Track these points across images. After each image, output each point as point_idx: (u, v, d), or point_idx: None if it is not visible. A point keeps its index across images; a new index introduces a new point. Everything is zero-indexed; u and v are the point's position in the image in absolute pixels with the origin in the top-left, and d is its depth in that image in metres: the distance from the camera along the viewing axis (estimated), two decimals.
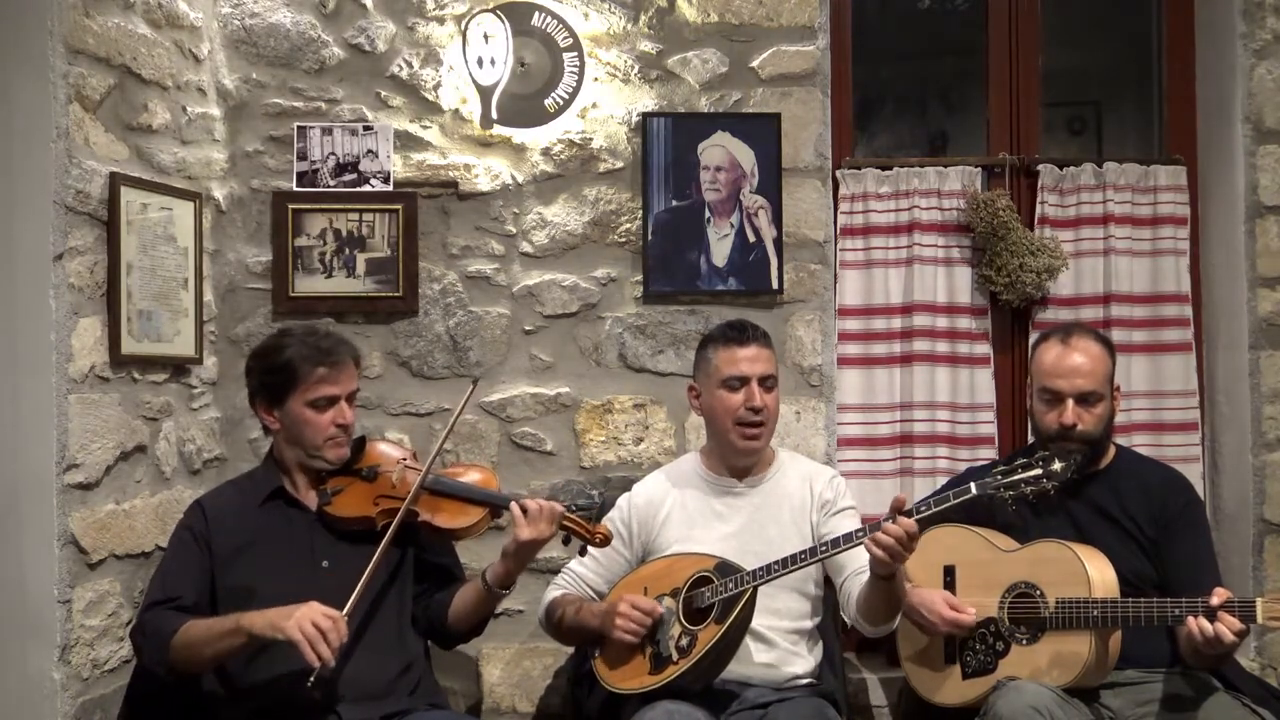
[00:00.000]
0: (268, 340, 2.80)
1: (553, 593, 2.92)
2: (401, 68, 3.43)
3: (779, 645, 2.77)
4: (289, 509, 2.68)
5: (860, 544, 2.53)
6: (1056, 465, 2.52)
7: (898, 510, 2.49)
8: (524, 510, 2.56)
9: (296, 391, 2.62)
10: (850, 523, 2.82)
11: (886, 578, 2.56)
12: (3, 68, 2.64)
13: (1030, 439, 3.01)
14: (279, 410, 2.65)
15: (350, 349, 2.73)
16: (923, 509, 2.56)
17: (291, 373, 2.62)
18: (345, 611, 2.37)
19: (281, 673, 2.47)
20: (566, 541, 2.65)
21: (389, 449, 2.80)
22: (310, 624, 2.31)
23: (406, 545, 2.70)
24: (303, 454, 2.67)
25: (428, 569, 2.76)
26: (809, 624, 2.83)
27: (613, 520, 2.91)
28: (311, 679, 2.32)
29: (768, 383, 2.82)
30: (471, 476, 2.71)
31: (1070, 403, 2.74)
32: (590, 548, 2.66)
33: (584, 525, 2.61)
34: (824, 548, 2.62)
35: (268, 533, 2.64)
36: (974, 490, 2.54)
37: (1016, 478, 2.53)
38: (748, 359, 2.81)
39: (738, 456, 2.86)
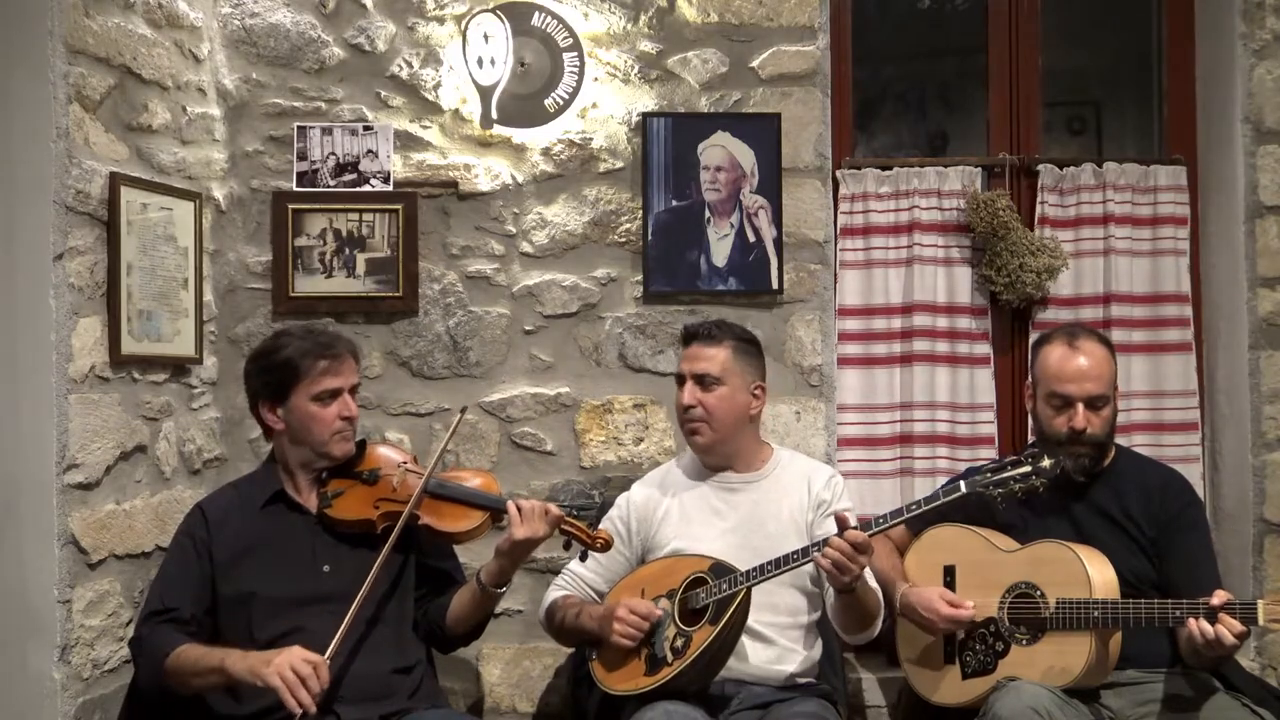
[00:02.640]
0: (264, 342, 2.80)
1: (553, 594, 2.93)
2: (401, 68, 3.43)
3: (777, 642, 2.77)
4: (290, 512, 2.68)
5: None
6: (1045, 462, 2.53)
7: (841, 526, 2.51)
8: (519, 509, 2.57)
9: (300, 386, 2.63)
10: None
11: (845, 591, 2.58)
12: (3, 68, 2.64)
13: (1030, 439, 3.01)
14: (282, 408, 2.65)
15: (349, 344, 2.74)
16: (880, 521, 2.59)
17: (293, 368, 2.63)
18: (327, 655, 2.38)
19: None
20: (567, 546, 2.65)
21: (389, 452, 2.80)
22: (290, 670, 2.32)
23: (407, 550, 2.70)
24: (309, 452, 2.67)
25: (428, 573, 2.77)
26: (807, 619, 2.83)
27: (612, 519, 2.92)
28: None
29: (705, 381, 2.83)
30: (473, 481, 2.72)
31: (1080, 407, 2.73)
32: (591, 552, 2.67)
33: (585, 531, 2.62)
34: (816, 546, 2.61)
35: (269, 536, 2.65)
36: (964, 489, 2.55)
37: (1006, 475, 2.54)
38: (686, 358, 2.88)
39: (696, 452, 2.91)
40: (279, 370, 2.64)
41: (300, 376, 2.63)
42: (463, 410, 2.84)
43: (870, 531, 2.55)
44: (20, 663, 2.64)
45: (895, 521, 2.61)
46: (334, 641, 2.40)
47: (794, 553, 2.63)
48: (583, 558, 2.72)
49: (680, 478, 2.94)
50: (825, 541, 2.54)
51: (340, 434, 2.67)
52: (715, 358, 2.84)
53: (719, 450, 2.87)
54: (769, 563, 2.63)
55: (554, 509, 2.59)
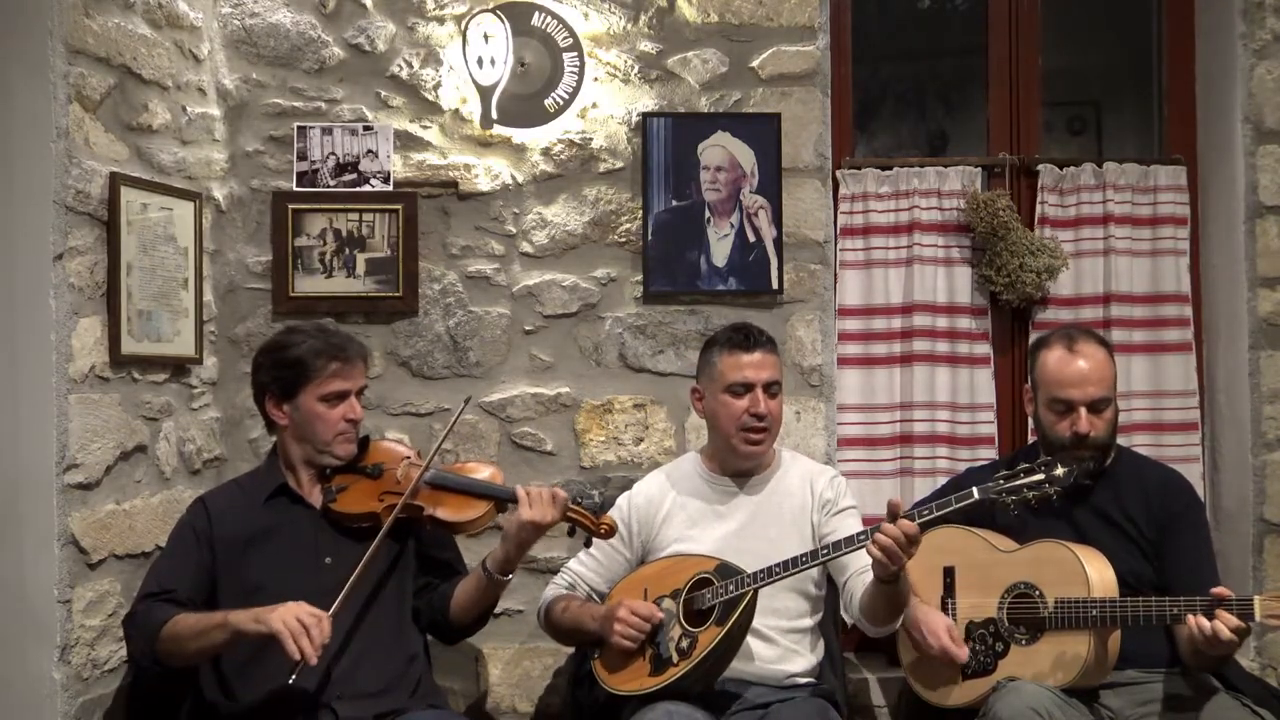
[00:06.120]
0: (277, 336, 2.80)
1: (551, 591, 2.93)
2: (401, 68, 3.43)
3: (779, 644, 2.77)
4: (292, 506, 2.69)
5: (862, 546, 2.53)
6: (1059, 470, 2.51)
7: (894, 513, 2.49)
8: (528, 494, 2.58)
9: (309, 386, 2.64)
10: (851, 522, 2.82)
11: (889, 580, 2.55)
12: (3, 68, 2.64)
13: (1030, 439, 3.01)
14: (289, 405, 2.67)
15: (360, 347, 2.76)
16: (924, 512, 2.55)
17: (304, 367, 2.64)
18: (331, 612, 2.38)
19: (276, 672, 2.47)
20: (571, 533, 2.66)
21: (395, 447, 2.82)
22: (294, 618, 2.32)
23: (406, 539, 2.71)
24: (311, 450, 2.68)
25: (430, 564, 2.77)
26: (809, 622, 2.83)
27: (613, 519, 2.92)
28: (294, 674, 2.32)
29: (772, 389, 2.82)
30: (477, 472, 2.72)
31: (1083, 411, 2.72)
32: (595, 539, 2.67)
33: (589, 516, 2.62)
34: (825, 551, 2.62)
35: (271, 530, 2.65)
36: (976, 495, 2.53)
37: (1019, 483, 2.52)
38: (753, 365, 2.80)
39: (740, 460, 2.86)
40: (290, 367, 2.66)
41: (310, 376, 2.64)
42: (466, 400, 2.85)
43: (920, 520, 2.49)
44: (20, 663, 2.64)
45: (940, 514, 2.53)
46: (337, 600, 2.40)
47: (802, 555, 2.63)
48: (587, 544, 2.72)
49: (682, 479, 2.94)
50: (865, 533, 2.53)
51: (343, 435, 2.68)
52: (777, 365, 2.86)
53: (766, 457, 2.88)
54: (777, 565, 2.62)
55: (561, 493, 2.60)
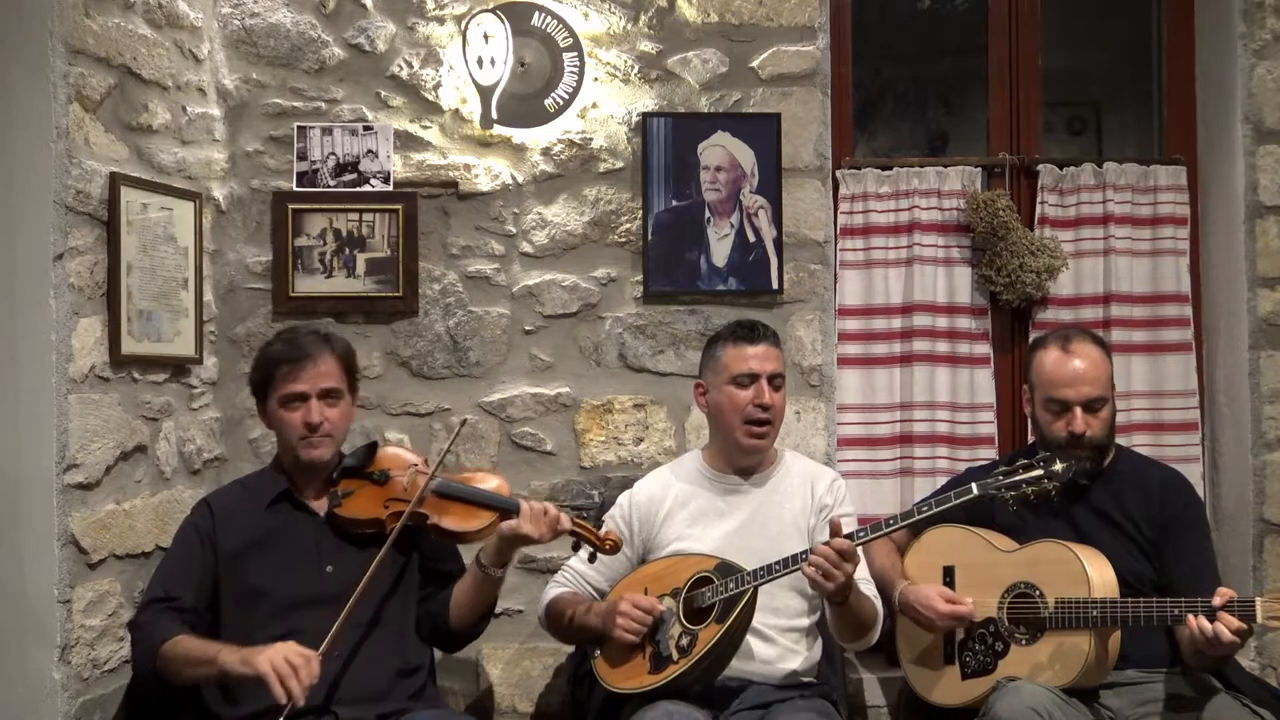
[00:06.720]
0: (267, 341, 2.82)
1: (553, 590, 2.92)
2: (401, 68, 3.43)
3: (778, 642, 2.77)
4: (295, 511, 2.69)
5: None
6: (1058, 465, 2.53)
7: (834, 531, 2.51)
8: (530, 508, 2.58)
9: (271, 390, 2.66)
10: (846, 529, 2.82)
11: (837, 602, 2.59)
12: (3, 68, 2.64)
13: (1030, 439, 3.01)
14: (264, 409, 2.70)
15: (320, 346, 2.66)
16: (925, 509, 2.58)
17: (267, 372, 2.67)
18: (320, 651, 2.37)
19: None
20: (576, 548, 2.66)
21: (401, 453, 2.80)
22: (282, 659, 2.32)
23: (411, 550, 2.70)
24: (288, 454, 2.70)
25: (433, 575, 2.77)
26: (808, 621, 2.83)
27: (614, 518, 2.92)
28: (282, 717, 2.31)
29: (776, 381, 2.83)
30: (483, 482, 2.72)
31: (1079, 411, 2.73)
32: (599, 553, 2.67)
33: (594, 533, 2.62)
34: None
35: (273, 534, 2.65)
36: (975, 491, 2.55)
37: (1018, 478, 2.54)
38: (758, 357, 2.81)
39: (743, 455, 2.86)
40: (258, 371, 2.69)
41: (270, 380, 2.66)
42: (462, 422, 2.85)
43: (858, 541, 2.55)
44: (20, 663, 2.64)
45: (899, 526, 2.60)
46: (328, 638, 2.40)
47: (801, 553, 2.63)
48: (591, 559, 2.72)
49: (682, 478, 2.94)
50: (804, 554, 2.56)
51: (305, 440, 2.64)
52: (780, 358, 2.87)
53: (768, 454, 2.89)
54: (776, 562, 2.62)
55: (565, 519, 2.59)
